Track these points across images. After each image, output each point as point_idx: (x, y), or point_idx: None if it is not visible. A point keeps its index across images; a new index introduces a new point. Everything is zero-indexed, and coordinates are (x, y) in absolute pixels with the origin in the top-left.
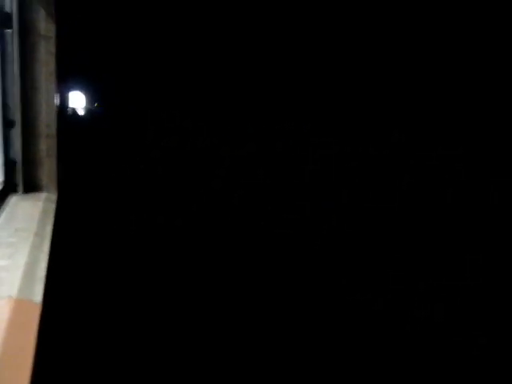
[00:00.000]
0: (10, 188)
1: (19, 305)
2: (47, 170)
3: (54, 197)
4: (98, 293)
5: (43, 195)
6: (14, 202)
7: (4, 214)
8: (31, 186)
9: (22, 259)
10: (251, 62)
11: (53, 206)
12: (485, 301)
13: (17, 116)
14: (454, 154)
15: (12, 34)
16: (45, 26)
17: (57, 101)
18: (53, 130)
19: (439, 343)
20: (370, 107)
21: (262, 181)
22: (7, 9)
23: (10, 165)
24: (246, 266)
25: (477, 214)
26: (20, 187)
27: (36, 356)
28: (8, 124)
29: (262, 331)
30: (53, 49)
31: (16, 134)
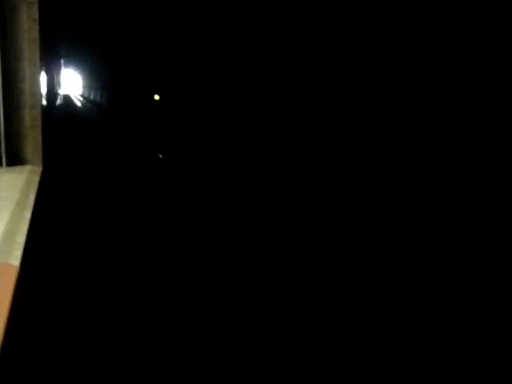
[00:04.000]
0: None
1: None
2: (32, 141)
3: (38, 169)
4: (75, 261)
5: (28, 168)
6: None
7: None
8: (15, 159)
9: (1, 226)
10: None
11: (37, 178)
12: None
13: None
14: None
15: None
16: None
17: (42, 70)
18: (37, 100)
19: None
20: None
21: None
22: None
23: None
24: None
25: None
26: (3, 160)
27: (10, 315)
28: None
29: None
30: (36, 15)
31: None
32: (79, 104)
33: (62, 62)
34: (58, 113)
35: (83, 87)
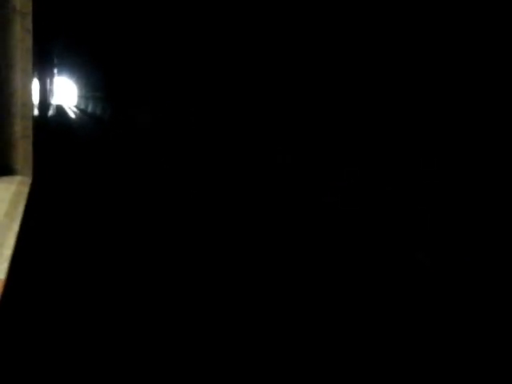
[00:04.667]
0: None
1: None
2: (22, 152)
3: (28, 180)
4: (63, 275)
5: (17, 178)
6: None
7: None
8: (5, 169)
9: None
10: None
11: (26, 190)
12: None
13: None
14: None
15: None
16: (21, 1)
17: (35, 80)
18: (29, 110)
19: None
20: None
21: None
22: None
23: None
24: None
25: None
26: None
27: None
28: None
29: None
30: (29, 25)
31: None
32: (73, 115)
33: (56, 70)
34: (50, 125)
35: (78, 97)
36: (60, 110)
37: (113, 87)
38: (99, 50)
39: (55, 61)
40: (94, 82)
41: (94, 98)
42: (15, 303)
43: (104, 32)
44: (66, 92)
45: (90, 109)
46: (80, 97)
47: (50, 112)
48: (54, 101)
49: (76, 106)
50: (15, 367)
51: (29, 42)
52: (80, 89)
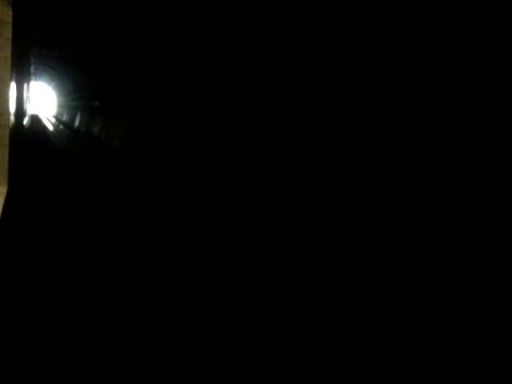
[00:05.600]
0: None
1: None
2: None
3: (3, 190)
4: (40, 288)
5: None
6: None
7: None
8: None
9: None
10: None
11: (1, 199)
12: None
13: None
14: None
15: None
16: (1, 10)
17: (13, 89)
18: (5, 119)
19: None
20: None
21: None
22: None
23: None
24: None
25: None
26: None
27: None
28: None
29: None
30: (9, 34)
31: None
32: (50, 127)
33: (33, 79)
34: (25, 135)
35: (57, 106)
36: (36, 119)
37: (84, 96)
38: (80, 55)
39: (32, 69)
40: (74, 89)
41: (73, 107)
42: None
43: (87, 37)
44: (43, 101)
45: (67, 118)
46: (59, 106)
47: (26, 122)
48: (30, 110)
49: (55, 116)
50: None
51: (7, 50)
52: (59, 97)
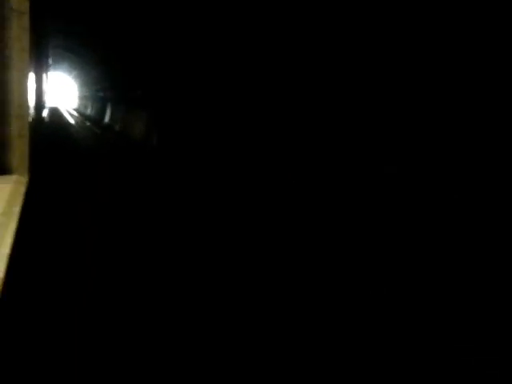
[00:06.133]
0: None
1: None
2: (18, 151)
3: (24, 179)
4: (60, 273)
5: (13, 177)
6: None
7: None
8: (1, 169)
9: None
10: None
11: (22, 189)
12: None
13: None
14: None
15: None
16: (18, 0)
17: (31, 80)
18: (25, 111)
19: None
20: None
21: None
22: None
23: None
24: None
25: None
26: None
27: None
28: None
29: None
30: (26, 25)
31: None
32: (72, 121)
33: (52, 70)
34: (45, 125)
35: (80, 98)
36: (56, 113)
37: (118, 85)
38: (101, 45)
39: (50, 60)
40: (96, 79)
41: (101, 99)
42: (13, 301)
43: (107, 26)
44: (63, 93)
45: (93, 112)
46: (80, 98)
47: (45, 113)
48: (50, 102)
49: (76, 109)
50: (14, 365)
51: (25, 41)
52: (80, 88)
